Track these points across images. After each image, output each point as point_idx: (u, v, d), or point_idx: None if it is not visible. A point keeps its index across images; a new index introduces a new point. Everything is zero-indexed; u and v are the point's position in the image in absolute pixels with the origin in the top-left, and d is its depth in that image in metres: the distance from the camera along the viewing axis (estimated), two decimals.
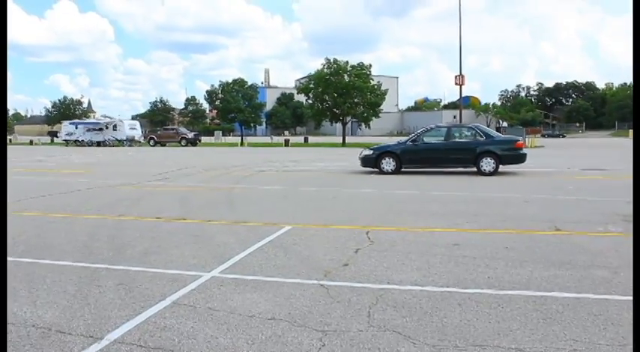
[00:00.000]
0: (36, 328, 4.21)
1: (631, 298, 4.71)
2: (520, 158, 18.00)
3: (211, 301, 4.85)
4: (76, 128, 60.48)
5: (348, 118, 56.09)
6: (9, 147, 53.67)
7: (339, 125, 58.66)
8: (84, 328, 4.20)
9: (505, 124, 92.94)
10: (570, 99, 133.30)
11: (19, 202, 11.71)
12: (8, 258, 6.43)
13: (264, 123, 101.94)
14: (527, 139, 40.22)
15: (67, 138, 60.14)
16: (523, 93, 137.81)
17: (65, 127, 62.41)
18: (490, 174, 17.35)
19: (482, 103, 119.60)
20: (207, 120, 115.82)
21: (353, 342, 3.89)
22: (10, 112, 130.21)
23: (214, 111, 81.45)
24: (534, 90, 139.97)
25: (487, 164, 17.52)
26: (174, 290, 5.15)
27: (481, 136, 18.12)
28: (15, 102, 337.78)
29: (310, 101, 56.09)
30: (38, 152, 43.95)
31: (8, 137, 79.03)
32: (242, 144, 60.21)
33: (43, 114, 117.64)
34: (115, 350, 3.78)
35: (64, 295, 5.05)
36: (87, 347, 3.84)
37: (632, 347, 3.71)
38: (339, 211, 10.42)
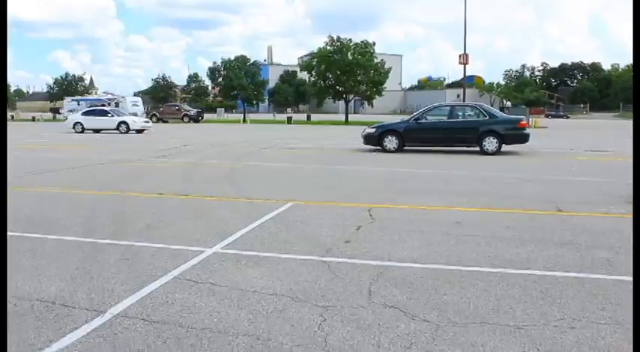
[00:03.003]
0: (40, 301, 4.24)
1: (631, 278, 4.74)
2: (523, 138, 17.93)
3: (213, 276, 4.88)
4: (79, 104, 60.33)
5: (351, 96, 55.97)
6: (11, 124, 53.66)
7: (341, 103, 58.60)
8: (87, 302, 4.24)
9: (509, 104, 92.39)
10: (575, 80, 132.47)
11: (21, 178, 11.74)
12: (12, 233, 6.48)
13: (266, 101, 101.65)
14: (530, 119, 40.07)
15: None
16: (527, 73, 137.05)
17: (67, 104, 62.31)
18: (493, 153, 17.32)
19: (486, 83, 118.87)
20: (210, 97, 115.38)
21: (353, 318, 3.92)
22: (12, 88, 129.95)
23: (217, 89, 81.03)
24: (539, 71, 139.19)
25: (490, 143, 17.47)
26: (177, 265, 5.18)
27: (484, 115, 18.05)
28: (16, 79, 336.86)
29: (313, 79, 55.87)
30: (40, 128, 43.97)
31: (10, 114, 78.87)
32: (244, 121, 60.10)
33: (45, 90, 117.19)
34: (118, 324, 3.82)
35: (67, 269, 5.09)
36: (90, 320, 3.87)
37: (629, 326, 3.74)
38: (341, 189, 10.44)
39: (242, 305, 4.18)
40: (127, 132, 33.27)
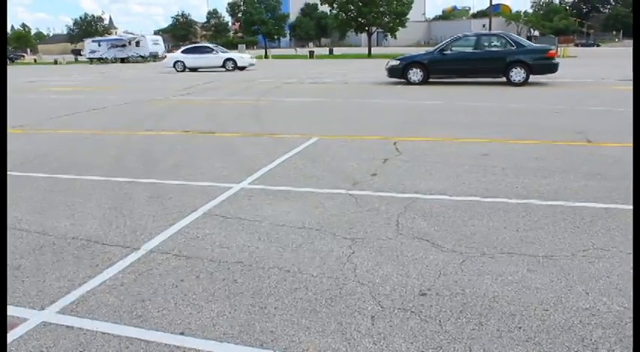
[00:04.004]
0: (76, 239, 4.36)
1: None
2: (551, 68, 17.42)
3: (242, 211, 4.95)
4: (99, 45, 60.14)
5: (374, 29, 54.82)
6: (34, 67, 53.94)
7: (364, 36, 57.54)
8: (121, 239, 4.35)
9: (536, 33, 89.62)
10: (608, 6, 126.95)
11: (48, 121, 11.88)
12: (42, 174, 6.63)
13: (287, 35, 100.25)
14: (559, 49, 38.89)
15: (91, 55, 59.93)
16: (557, 0, 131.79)
17: (88, 45, 62.02)
18: (520, 84, 16.95)
19: (513, 11, 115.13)
20: (230, 34, 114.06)
21: (382, 249, 3.97)
22: (33, 31, 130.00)
23: (237, 24, 79.91)
24: None
25: (517, 74, 17.06)
26: (206, 202, 5.26)
27: (511, 45, 17.51)
28: (36, 21, 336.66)
29: (335, 11, 54.70)
30: (63, 71, 44.12)
31: (33, 57, 79.13)
32: (266, 56, 59.51)
33: (65, 32, 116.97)
34: (152, 259, 3.92)
35: (100, 208, 5.20)
36: (125, 256, 3.98)
37: None
38: (367, 122, 10.36)
39: (271, 238, 4.25)
40: (233, 70, 31.53)
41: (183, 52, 34.17)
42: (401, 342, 2.78)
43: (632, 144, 7.47)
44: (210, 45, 36.84)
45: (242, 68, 32.18)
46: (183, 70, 32.16)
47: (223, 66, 31.98)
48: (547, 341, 2.75)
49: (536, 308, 3.08)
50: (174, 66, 32.75)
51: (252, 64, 32.96)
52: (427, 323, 2.96)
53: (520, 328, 2.88)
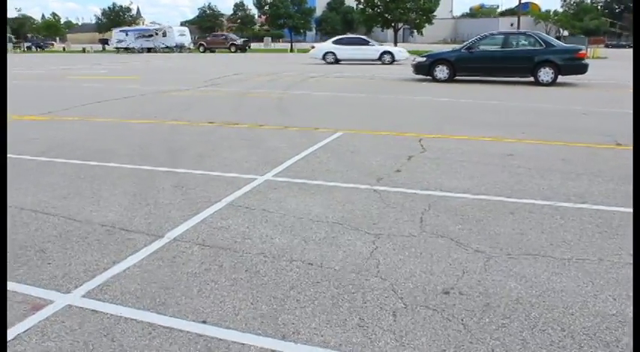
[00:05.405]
0: (101, 226, 4.41)
1: None
2: (581, 68, 17.14)
3: (266, 203, 4.96)
4: (127, 35, 60.63)
5: (400, 24, 54.49)
6: (63, 55, 54.61)
7: (390, 31, 57.28)
8: (145, 226, 4.39)
9: (566, 33, 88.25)
10: None
11: (74, 108, 12.03)
12: (69, 161, 6.72)
13: (313, 29, 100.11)
14: (589, 49, 38.27)
15: (118, 45, 60.48)
16: (588, 0, 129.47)
17: (116, 34, 62.58)
18: (548, 84, 16.71)
19: (543, 10, 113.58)
20: (256, 27, 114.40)
21: (405, 246, 3.94)
22: (62, 20, 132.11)
23: (263, 17, 79.99)
24: None
25: (545, 74, 16.81)
26: (230, 193, 5.28)
27: (540, 45, 17.25)
28: (65, 11, 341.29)
29: (361, 6, 54.53)
30: (91, 59, 44.60)
31: (61, 45, 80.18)
32: (292, 50, 59.49)
33: (94, 21, 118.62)
34: (175, 247, 3.95)
35: (125, 196, 5.25)
36: (149, 243, 4.02)
37: None
38: (392, 118, 10.31)
39: (295, 231, 4.25)
40: (391, 64, 29.54)
41: (334, 42, 32.07)
42: (423, 340, 2.76)
43: None
44: (364, 37, 34.74)
45: (396, 62, 30.17)
46: (334, 62, 30.32)
47: (379, 59, 30.22)
48: (572, 346, 2.71)
49: (561, 311, 3.04)
50: (323, 58, 30.92)
51: (406, 58, 30.69)
52: (449, 321, 2.93)
53: (544, 331, 2.84)
